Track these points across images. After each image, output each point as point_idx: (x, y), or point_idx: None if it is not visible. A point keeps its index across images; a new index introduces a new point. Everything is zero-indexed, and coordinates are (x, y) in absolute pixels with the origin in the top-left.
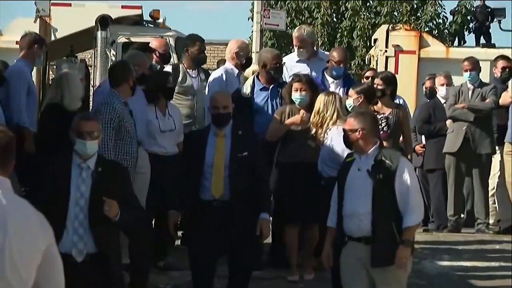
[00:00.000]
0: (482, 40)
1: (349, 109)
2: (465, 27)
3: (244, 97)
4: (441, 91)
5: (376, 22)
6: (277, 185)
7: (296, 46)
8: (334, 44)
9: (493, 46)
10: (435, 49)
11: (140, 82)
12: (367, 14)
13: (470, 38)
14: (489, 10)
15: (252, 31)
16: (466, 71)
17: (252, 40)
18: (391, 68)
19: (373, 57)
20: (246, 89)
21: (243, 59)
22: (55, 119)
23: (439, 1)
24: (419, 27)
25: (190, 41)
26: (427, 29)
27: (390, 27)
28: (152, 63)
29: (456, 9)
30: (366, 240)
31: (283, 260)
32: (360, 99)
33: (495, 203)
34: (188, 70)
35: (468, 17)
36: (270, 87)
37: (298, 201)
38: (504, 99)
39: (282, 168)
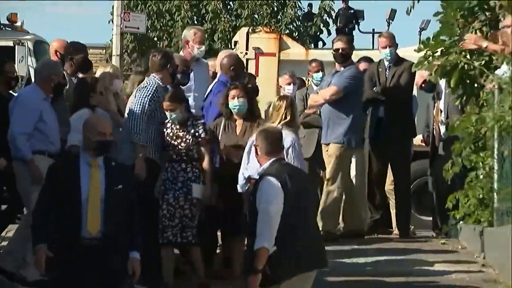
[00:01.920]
0: None
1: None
2: (326, 29)
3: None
4: (286, 90)
5: (237, 24)
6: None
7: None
8: None
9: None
10: (295, 51)
11: (57, 91)
12: (228, 16)
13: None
14: (352, 12)
15: (113, 34)
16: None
17: (112, 43)
18: (251, 70)
19: None
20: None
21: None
22: None
23: (299, 4)
24: (279, 30)
25: (74, 48)
26: (287, 31)
27: (250, 30)
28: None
29: (314, 12)
30: None
31: None
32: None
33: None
34: (71, 78)
35: (328, 19)
36: None
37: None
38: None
39: (223, 182)
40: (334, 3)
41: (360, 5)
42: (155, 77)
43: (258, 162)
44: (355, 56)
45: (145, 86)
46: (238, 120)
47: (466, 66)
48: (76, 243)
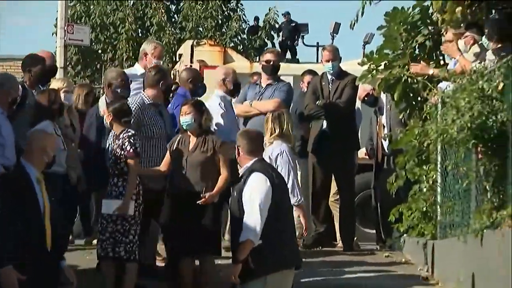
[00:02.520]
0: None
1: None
2: (271, 42)
3: None
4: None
5: (181, 37)
6: (169, 217)
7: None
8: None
9: (297, 61)
10: (239, 64)
11: (14, 105)
12: (172, 29)
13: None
14: (294, 25)
15: (56, 47)
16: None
17: (56, 55)
18: None
19: (178, 72)
20: None
21: (230, 85)
22: None
23: (244, 17)
24: (224, 43)
25: (32, 61)
26: (232, 44)
27: (194, 43)
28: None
29: (259, 25)
30: (228, 250)
31: None
32: (110, 117)
33: None
34: (31, 90)
35: (272, 32)
36: None
37: (191, 232)
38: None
39: (173, 198)
40: (278, 16)
41: (305, 18)
42: (143, 94)
43: (239, 163)
44: (300, 69)
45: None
46: (192, 136)
47: (409, 79)
48: (40, 259)
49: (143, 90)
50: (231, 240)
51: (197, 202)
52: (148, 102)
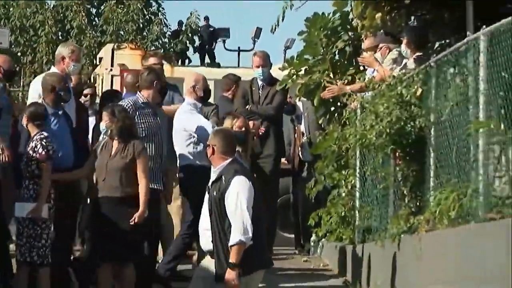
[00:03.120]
0: (208, 59)
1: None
2: (192, 46)
3: None
4: None
5: (102, 41)
6: (91, 222)
7: None
8: None
9: (218, 65)
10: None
11: None
12: (93, 32)
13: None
14: (212, 30)
15: None
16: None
17: None
18: (116, 87)
19: (98, 75)
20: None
21: (200, 92)
22: None
23: (165, 21)
24: (145, 46)
25: None
26: (153, 48)
27: (115, 46)
28: None
29: (181, 29)
30: (211, 254)
31: None
32: (26, 120)
33: None
34: None
35: (194, 37)
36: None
37: (111, 238)
38: None
39: (94, 204)
40: (200, 20)
41: (227, 23)
42: (138, 94)
43: (212, 162)
44: (222, 73)
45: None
46: (114, 141)
47: (329, 85)
48: None
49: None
50: (213, 239)
51: (130, 223)
52: (142, 102)
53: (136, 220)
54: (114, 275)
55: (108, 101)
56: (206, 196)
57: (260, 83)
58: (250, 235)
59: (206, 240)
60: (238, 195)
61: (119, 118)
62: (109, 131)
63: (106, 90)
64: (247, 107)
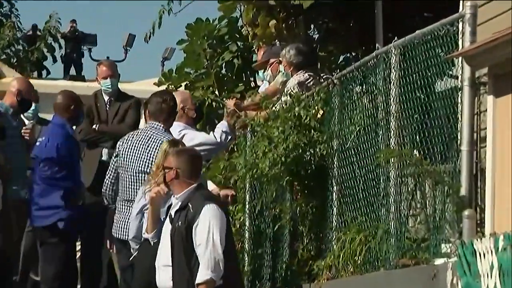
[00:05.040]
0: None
1: None
2: (51, 55)
3: None
4: None
5: None
6: None
7: None
8: None
9: (83, 78)
10: (7, 81)
11: None
12: None
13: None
14: (76, 35)
15: None
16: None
17: None
18: None
19: None
20: None
21: (192, 113)
22: None
23: (19, 24)
24: None
25: None
26: (4, 56)
27: None
28: None
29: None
30: None
31: None
32: None
33: None
34: None
35: (54, 44)
36: None
37: None
38: None
39: None
40: (61, 25)
41: (93, 28)
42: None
43: (172, 187)
44: (87, 88)
45: None
46: None
47: (214, 104)
48: None
49: None
50: (174, 276)
51: None
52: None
53: None
54: None
55: None
56: (166, 226)
57: (107, 98)
58: (222, 272)
59: (165, 277)
60: (210, 226)
61: None
62: None
63: None
64: (94, 126)
